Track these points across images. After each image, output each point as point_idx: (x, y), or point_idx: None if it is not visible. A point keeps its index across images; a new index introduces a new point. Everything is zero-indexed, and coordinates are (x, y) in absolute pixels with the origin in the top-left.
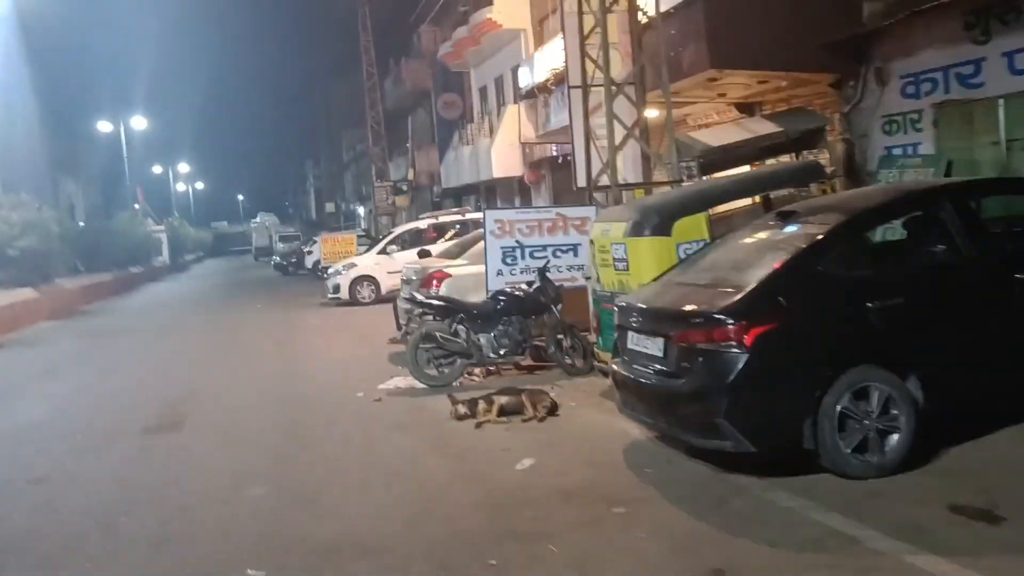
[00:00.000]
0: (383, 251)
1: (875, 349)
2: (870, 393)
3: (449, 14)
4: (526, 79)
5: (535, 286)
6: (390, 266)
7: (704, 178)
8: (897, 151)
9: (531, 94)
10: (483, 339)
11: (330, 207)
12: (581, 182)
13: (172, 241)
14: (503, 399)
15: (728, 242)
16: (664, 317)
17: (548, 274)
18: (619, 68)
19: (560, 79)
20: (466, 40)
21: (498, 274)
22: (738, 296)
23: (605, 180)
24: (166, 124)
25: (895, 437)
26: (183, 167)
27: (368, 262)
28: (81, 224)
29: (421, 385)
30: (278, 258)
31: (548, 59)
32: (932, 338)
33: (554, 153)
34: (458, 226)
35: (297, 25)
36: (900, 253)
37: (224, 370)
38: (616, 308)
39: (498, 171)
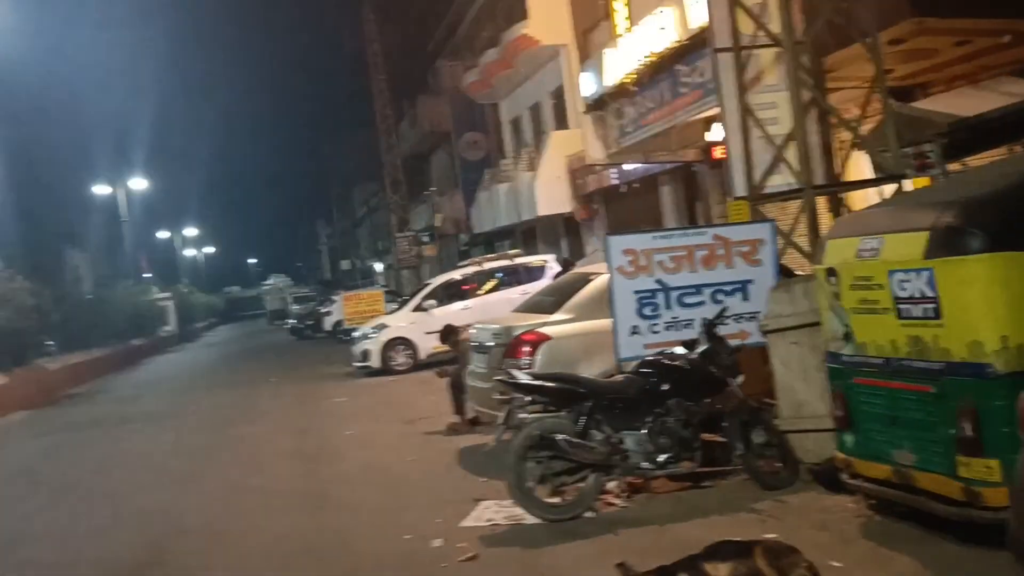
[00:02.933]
0: (418, 307)
1: None
2: None
3: (469, 46)
4: (590, 88)
5: (700, 349)
6: (428, 325)
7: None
8: None
9: (599, 104)
10: (629, 439)
11: (345, 265)
12: (740, 189)
13: (180, 308)
14: (722, 569)
15: None
16: None
17: (718, 329)
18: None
19: (646, 75)
20: (496, 64)
21: (633, 332)
22: None
23: (778, 181)
24: (172, 189)
25: None
26: (190, 231)
27: (401, 322)
28: (90, 297)
29: (532, 519)
30: (293, 321)
31: (624, 56)
32: None
33: (614, 180)
34: (501, 275)
35: (303, 77)
36: None
37: (223, 490)
38: None
39: (543, 208)
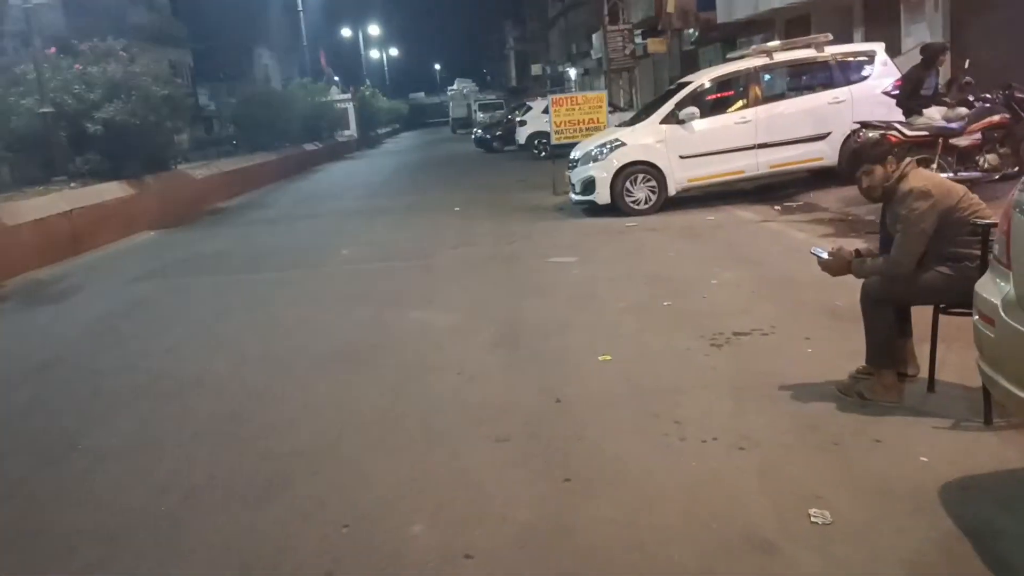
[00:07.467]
0: (669, 118)
1: None
2: None
3: None
4: None
5: None
6: (683, 145)
7: None
8: None
9: None
10: None
11: (536, 69)
12: None
13: (361, 113)
14: None
15: None
16: None
17: None
18: None
19: None
20: None
21: None
22: None
23: None
24: None
25: None
26: (374, 31)
27: (644, 139)
28: (258, 94)
29: None
30: (480, 131)
31: None
32: None
33: None
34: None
35: None
36: None
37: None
38: None
39: None
